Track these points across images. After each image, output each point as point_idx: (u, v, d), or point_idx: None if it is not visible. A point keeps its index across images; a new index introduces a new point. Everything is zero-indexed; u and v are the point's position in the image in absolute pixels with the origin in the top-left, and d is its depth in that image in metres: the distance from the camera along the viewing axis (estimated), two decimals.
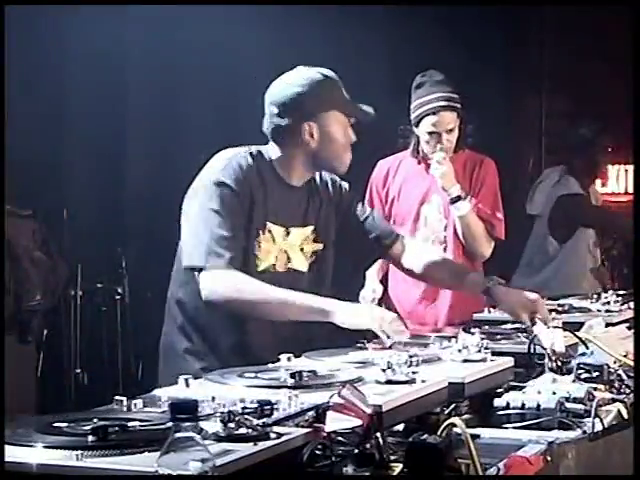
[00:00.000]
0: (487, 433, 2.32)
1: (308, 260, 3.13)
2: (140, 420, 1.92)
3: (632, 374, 2.70)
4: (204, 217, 2.92)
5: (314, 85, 3.02)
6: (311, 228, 3.13)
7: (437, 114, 4.28)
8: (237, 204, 2.94)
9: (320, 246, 3.15)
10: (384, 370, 2.32)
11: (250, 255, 2.98)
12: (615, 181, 7.21)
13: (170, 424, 1.59)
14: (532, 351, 2.81)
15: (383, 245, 3.32)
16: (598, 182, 6.67)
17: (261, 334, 2.96)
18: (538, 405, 2.38)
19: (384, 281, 4.35)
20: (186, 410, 1.58)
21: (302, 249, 3.11)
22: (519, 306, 3.14)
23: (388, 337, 2.74)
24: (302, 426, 1.95)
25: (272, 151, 3.07)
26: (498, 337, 3.07)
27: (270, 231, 3.02)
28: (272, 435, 1.84)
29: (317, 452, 1.90)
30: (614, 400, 2.53)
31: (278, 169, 3.06)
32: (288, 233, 3.07)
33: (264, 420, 1.88)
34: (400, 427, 2.23)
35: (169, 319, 3.10)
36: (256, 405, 1.93)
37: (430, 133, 4.31)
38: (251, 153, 3.05)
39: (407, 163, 4.48)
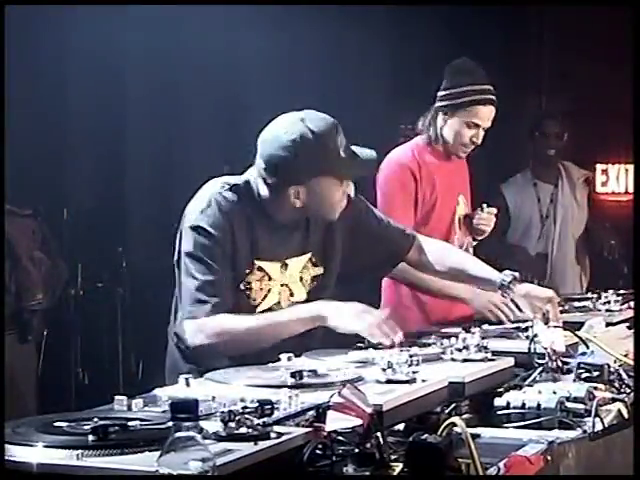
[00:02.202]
0: (487, 433, 2.32)
1: (307, 288, 3.04)
2: (140, 419, 1.92)
3: (632, 374, 2.70)
4: (185, 265, 2.86)
5: (302, 149, 2.80)
6: (308, 255, 3.02)
7: (486, 106, 3.89)
8: (217, 248, 2.83)
9: (320, 270, 3.05)
10: (384, 369, 2.32)
11: (242, 297, 2.90)
12: (615, 180, 7.21)
13: (170, 423, 1.59)
14: (532, 350, 2.81)
15: (401, 250, 3.26)
16: (598, 182, 6.70)
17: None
18: (538, 405, 2.38)
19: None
20: (186, 409, 1.58)
21: (301, 278, 3.02)
22: (535, 302, 3.15)
23: (383, 338, 2.73)
24: (302, 426, 1.95)
25: (262, 187, 2.91)
26: (498, 337, 3.07)
27: (261, 268, 2.93)
28: (272, 435, 1.84)
29: (317, 452, 1.90)
30: (614, 400, 2.53)
31: (267, 208, 2.92)
32: (286, 266, 2.98)
33: (264, 419, 1.88)
34: (400, 427, 2.23)
35: (171, 342, 3.03)
36: (256, 404, 1.93)
37: (470, 124, 3.88)
38: (236, 187, 2.91)
39: (427, 158, 3.96)
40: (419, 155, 3.95)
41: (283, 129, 2.84)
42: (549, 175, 5.89)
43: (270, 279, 2.95)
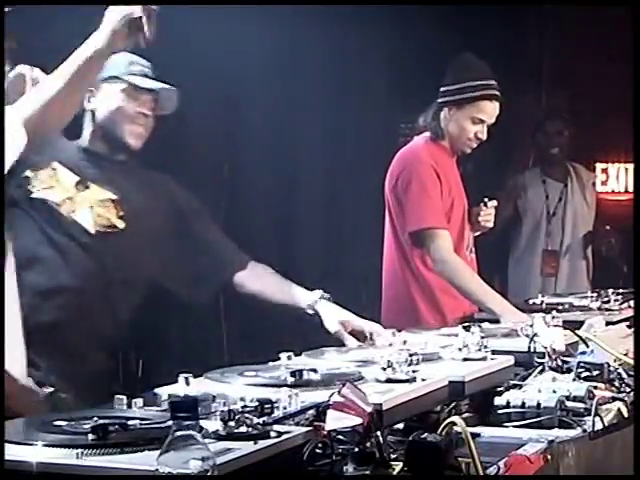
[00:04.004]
0: (487, 432, 2.32)
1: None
2: (140, 419, 1.91)
3: (632, 373, 2.70)
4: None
5: None
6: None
7: (492, 101, 3.88)
8: None
9: (122, 224, 3.19)
10: (384, 369, 2.32)
11: None
12: (615, 180, 7.22)
13: (170, 423, 1.59)
14: (532, 349, 2.81)
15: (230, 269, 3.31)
16: (598, 181, 6.71)
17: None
18: (538, 404, 2.38)
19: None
20: (186, 409, 1.58)
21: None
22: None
23: None
24: (302, 425, 1.95)
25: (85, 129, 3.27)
26: (498, 335, 3.07)
27: None
28: (272, 434, 1.83)
29: (317, 451, 1.90)
30: (614, 399, 2.54)
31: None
32: None
33: (264, 419, 1.88)
34: (400, 426, 2.23)
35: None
36: (256, 404, 1.93)
37: (475, 120, 3.88)
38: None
39: (439, 156, 3.93)
40: (432, 154, 3.92)
41: None
42: (558, 173, 5.90)
43: None
